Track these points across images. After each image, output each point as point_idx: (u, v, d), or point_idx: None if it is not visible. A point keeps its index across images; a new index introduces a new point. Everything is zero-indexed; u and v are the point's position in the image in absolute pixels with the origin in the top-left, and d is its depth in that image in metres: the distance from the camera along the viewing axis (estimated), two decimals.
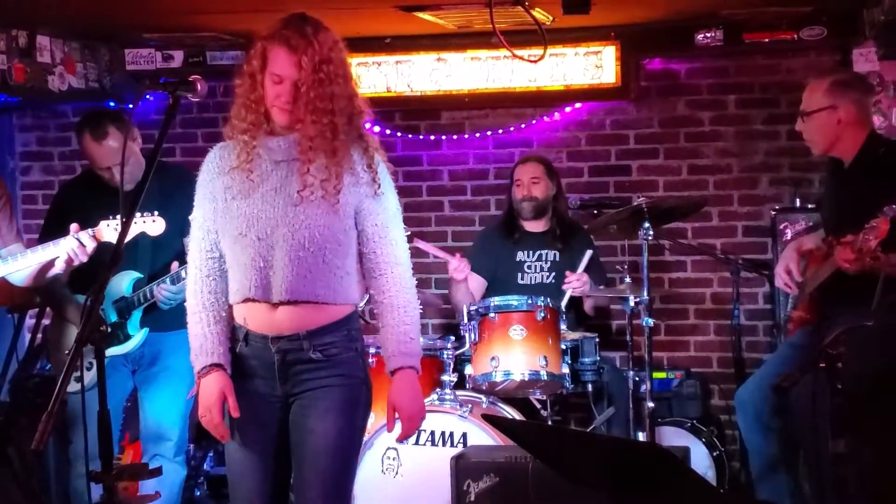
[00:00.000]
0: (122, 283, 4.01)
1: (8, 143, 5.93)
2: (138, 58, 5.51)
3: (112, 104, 5.69)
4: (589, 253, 4.73)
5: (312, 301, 2.83)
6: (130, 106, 5.62)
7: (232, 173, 2.85)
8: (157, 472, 3.21)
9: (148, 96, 5.64)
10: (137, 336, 4.04)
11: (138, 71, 5.51)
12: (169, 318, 3.99)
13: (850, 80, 3.94)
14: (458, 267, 4.73)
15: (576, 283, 4.62)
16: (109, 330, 4.03)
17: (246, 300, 2.85)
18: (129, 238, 3.46)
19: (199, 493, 4.84)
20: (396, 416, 2.95)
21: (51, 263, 3.56)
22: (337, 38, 2.85)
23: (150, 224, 3.69)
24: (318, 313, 2.85)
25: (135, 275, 4.02)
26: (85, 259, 3.59)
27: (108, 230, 3.55)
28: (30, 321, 5.58)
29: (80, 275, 4.07)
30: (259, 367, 2.89)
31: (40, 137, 5.96)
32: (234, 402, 2.83)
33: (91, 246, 3.54)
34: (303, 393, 2.88)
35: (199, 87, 2.75)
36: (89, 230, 3.55)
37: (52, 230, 3.90)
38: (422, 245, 4.73)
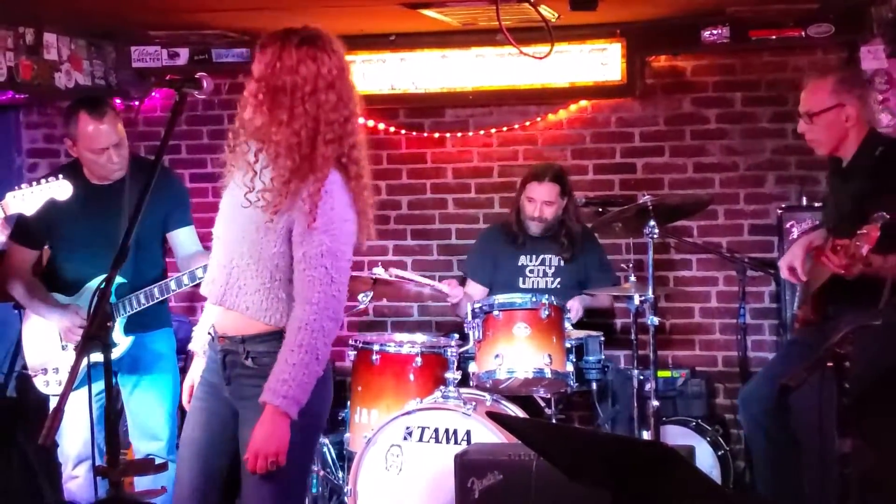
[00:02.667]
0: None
1: (15, 140, 5.93)
2: (144, 55, 5.52)
3: (118, 101, 5.70)
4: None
5: (237, 311, 2.83)
6: (136, 103, 5.64)
7: (229, 167, 2.92)
8: (164, 466, 3.23)
9: (154, 93, 5.67)
10: (123, 344, 3.96)
11: (144, 68, 5.52)
12: (149, 318, 3.97)
13: (853, 78, 3.94)
14: (451, 293, 4.73)
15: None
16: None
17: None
18: (37, 207, 3.48)
19: None
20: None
21: None
22: (322, 63, 2.72)
23: (57, 189, 3.60)
24: (251, 323, 2.84)
25: (118, 279, 3.96)
26: (6, 233, 3.55)
27: (16, 201, 3.48)
28: None
29: (53, 273, 4.04)
30: (214, 363, 2.95)
31: (47, 134, 5.97)
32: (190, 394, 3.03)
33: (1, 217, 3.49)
34: (242, 400, 2.86)
35: (204, 84, 2.76)
36: None
37: (31, 231, 3.89)
38: (407, 276, 4.68)
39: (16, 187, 3.50)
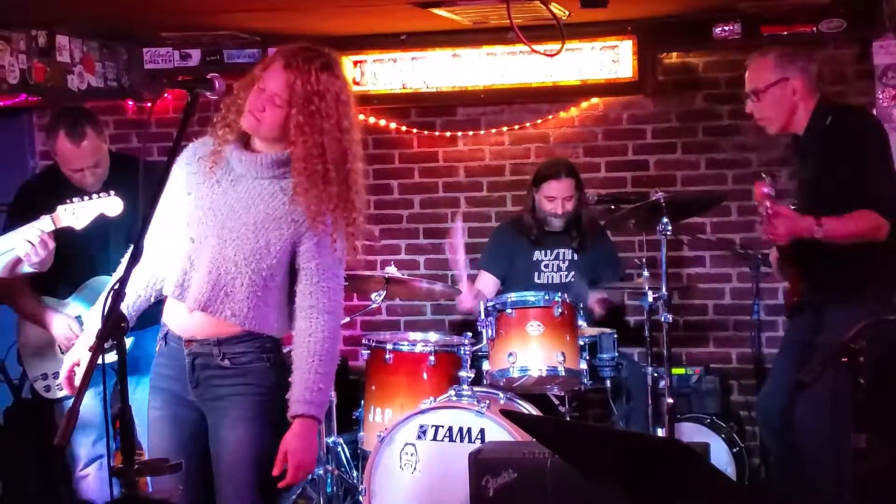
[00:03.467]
0: (100, 288, 3.85)
1: (28, 142, 5.96)
2: (156, 57, 5.54)
3: (130, 103, 5.72)
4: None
5: (219, 318, 2.82)
6: (149, 104, 5.65)
7: (199, 163, 2.87)
8: (178, 467, 3.23)
9: (166, 95, 5.68)
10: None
11: (156, 70, 5.53)
12: (149, 314, 3.96)
13: (793, 51, 3.91)
14: (465, 300, 4.70)
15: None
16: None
17: (170, 296, 2.89)
18: (87, 221, 3.44)
19: None
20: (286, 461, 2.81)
21: (19, 260, 3.46)
22: (341, 86, 2.79)
23: (108, 203, 3.56)
24: (229, 326, 2.84)
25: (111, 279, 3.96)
26: (51, 247, 3.46)
27: (66, 214, 3.44)
28: None
29: (42, 276, 4.01)
30: (174, 368, 2.90)
31: None
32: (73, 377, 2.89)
33: (49, 228, 3.44)
34: (213, 401, 2.86)
35: (217, 84, 2.76)
36: (47, 216, 3.44)
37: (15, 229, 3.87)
38: (456, 241, 4.67)
39: (67, 200, 3.46)
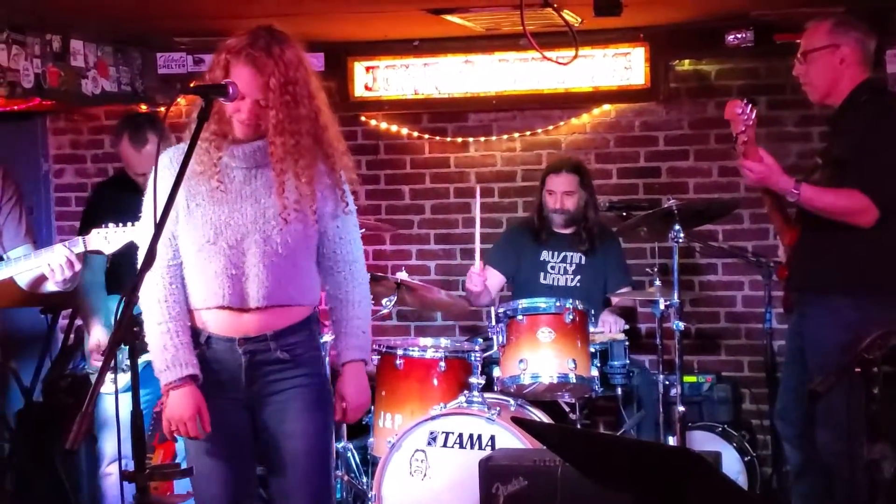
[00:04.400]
0: None
1: (42, 146, 5.98)
2: (170, 61, 5.55)
3: (144, 108, 5.74)
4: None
5: (286, 304, 2.87)
6: (162, 109, 5.67)
7: (197, 179, 2.84)
8: (189, 472, 3.24)
9: (180, 99, 5.70)
10: None
11: (170, 75, 5.55)
12: None
13: (853, 21, 3.82)
14: (473, 276, 4.68)
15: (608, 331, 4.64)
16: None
17: (213, 307, 2.86)
18: (117, 247, 3.48)
19: None
20: (344, 404, 2.97)
21: (44, 277, 3.47)
22: (302, 55, 2.85)
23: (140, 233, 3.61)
24: (285, 315, 2.88)
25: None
26: (77, 268, 3.47)
27: (98, 238, 3.48)
28: (63, 321, 5.63)
29: (116, 275, 4.10)
30: (223, 371, 2.89)
31: (73, 140, 6.02)
32: (207, 418, 2.84)
33: (80, 249, 3.45)
34: (271, 395, 2.89)
35: (231, 90, 2.77)
36: (79, 238, 3.47)
37: (87, 232, 3.91)
38: (474, 214, 4.71)
39: (102, 225, 3.49)
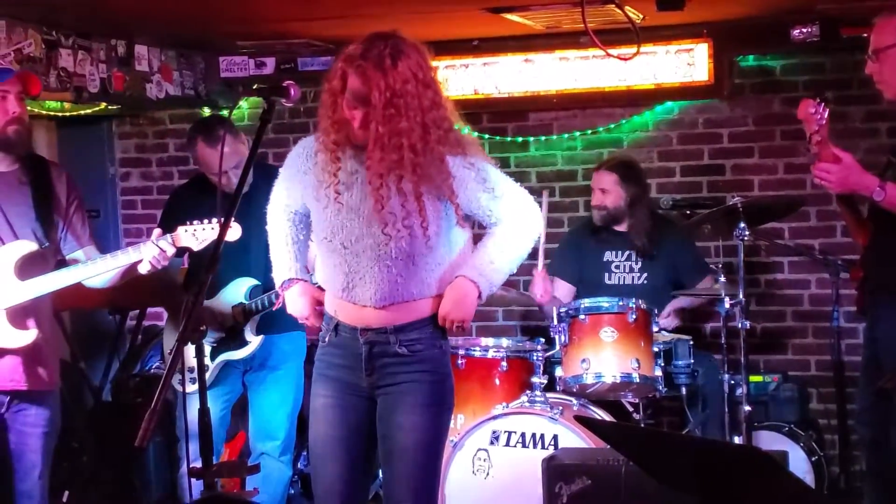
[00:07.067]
0: (240, 289, 4.08)
1: (108, 150, 6.09)
2: (232, 65, 5.62)
3: (207, 111, 5.81)
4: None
5: (406, 301, 2.88)
6: (225, 112, 5.74)
7: (319, 176, 2.90)
8: (255, 468, 3.29)
9: (242, 102, 5.76)
10: (254, 343, 4.10)
11: (232, 78, 5.61)
12: (280, 321, 4.02)
13: None
14: (538, 283, 4.61)
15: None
16: (224, 334, 4.09)
17: (338, 297, 2.93)
18: (204, 244, 3.53)
19: (293, 491, 4.91)
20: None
21: (134, 267, 3.54)
22: (417, 67, 2.81)
23: (227, 230, 3.66)
24: (406, 311, 2.90)
25: (251, 282, 4.07)
26: (166, 263, 3.55)
27: (186, 235, 3.54)
28: (130, 322, 5.73)
29: (196, 277, 4.16)
30: (347, 357, 2.96)
31: (139, 144, 6.11)
32: (319, 309, 3.01)
33: (170, 251, 3.51)
34: (388, 387, 2.93)
35: (292, 92, 2.79)
36: (167, 236, 3.54)
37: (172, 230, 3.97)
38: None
39: (188, 223, 3.56)
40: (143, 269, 3.52)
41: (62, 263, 3.57)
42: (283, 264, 3.08)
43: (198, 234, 3.52)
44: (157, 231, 3.55)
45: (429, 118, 2.82)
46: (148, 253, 3.48)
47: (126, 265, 3.51)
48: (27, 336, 3.42)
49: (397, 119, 2.77)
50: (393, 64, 2.77)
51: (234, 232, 3.61)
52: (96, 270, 3.49)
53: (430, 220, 2.84)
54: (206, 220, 3.55)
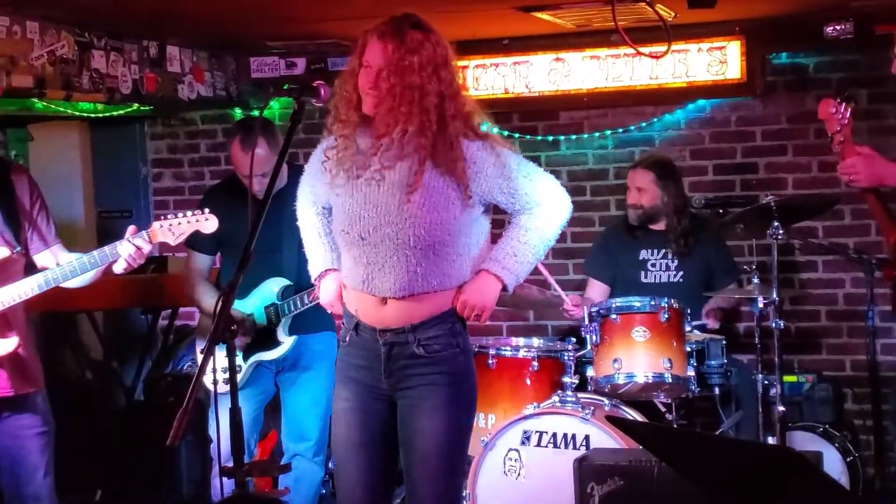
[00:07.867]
0: (272, 289, 4.08)
1: (140, 151, 6.13)
2: (263, 66, 5.64)
3: (238, 111, 5.84)
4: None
5: (426, 292, 2.86)
6: (256, 112, 5.76)
7: (334, 168, 2.90)
8: (287, 468, 3.29)
9: (273, 103, 5.78)
10: (286, 343, 4.09)
11: (263, 78, 5.63)
12: (312, 321, 4.05)
13: None
14: (571, 309, 4.55)
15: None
16: (255, 335, 4.09)
17: (359, 290, 2.92)
18: (181, 238, 3.51)
19: (324, 492, 4.92)
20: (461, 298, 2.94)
21: (109, 267, 3.48)
22: (436, 40, 2.83)
23: (203, 222, 3.56)
24: (426, 305, 2.87)
25: (284, 282, 4.06)
26: (142, 261, 3.49)
27: (162, 230, 3.49)
28: (162, 322, 5.77)
29: (221, 278, 4.18)
30: (367, 359, 2.94)
31: (170, 145, 6.15)
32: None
33: (147, 248, 3.46)
34: (407, 389, 2.91)
35: (322, 92, 2.80)
36: (143, 233, 3.49)
37: (205, 237, 3.97)
38: (542, 270, 4.63)
39: (162, 217, 3.52)
40: (118, 268, 3.44)
41: (31, 265, 3.52)
42: (318, 256, 3.08)
43: (174, 229, 3.48)
44: (131, 228, 3.47)
45: (445, 87, 2.81)
46: (124, 251, 3.41)
47: (103, 266, 3.45)
48: (9, 344, 3.38)
49: (410, 73, 2.76)
50: (412, 27, 2.80)
51: (211, 224, 3.55)
52: (75, 274, 3.41)
53: (445, 201, 2.81)
54: (180, 214, 3.51)
